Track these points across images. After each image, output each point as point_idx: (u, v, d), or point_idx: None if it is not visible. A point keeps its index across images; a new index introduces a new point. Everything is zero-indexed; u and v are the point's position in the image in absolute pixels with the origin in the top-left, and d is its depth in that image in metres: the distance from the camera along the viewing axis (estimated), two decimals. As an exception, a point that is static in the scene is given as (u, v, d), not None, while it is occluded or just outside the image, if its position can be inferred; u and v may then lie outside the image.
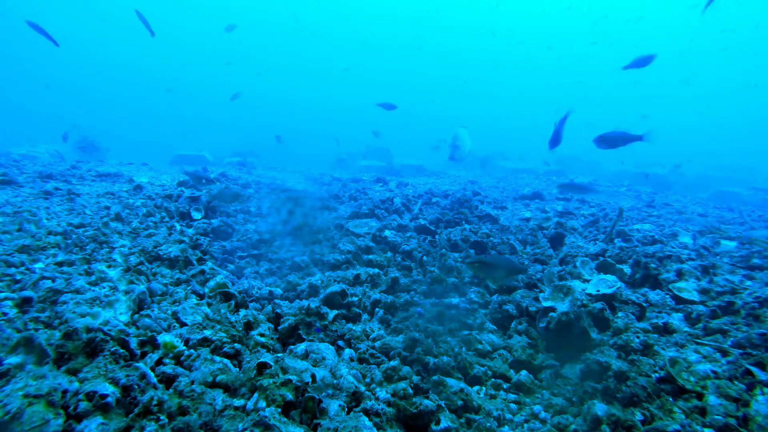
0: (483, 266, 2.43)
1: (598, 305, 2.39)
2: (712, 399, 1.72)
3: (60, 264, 2.69)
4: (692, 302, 2.75)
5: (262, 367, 1.70)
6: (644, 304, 2.70)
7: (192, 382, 1.63)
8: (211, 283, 2.72)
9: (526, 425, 1.78)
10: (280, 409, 1.50)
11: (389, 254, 3.58)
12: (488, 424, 1.70)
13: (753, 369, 1.85)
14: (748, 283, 3.06)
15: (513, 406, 1.91)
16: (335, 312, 2.46)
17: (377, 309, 2.67)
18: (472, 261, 2.45)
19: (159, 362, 1.80)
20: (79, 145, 6.27)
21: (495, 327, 2.52)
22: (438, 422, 1.60)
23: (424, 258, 3.44)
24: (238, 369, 1.83)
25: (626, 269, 3.30)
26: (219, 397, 1.57)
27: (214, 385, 1.67)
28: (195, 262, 3.05)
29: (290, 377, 1.61)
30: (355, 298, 2.71)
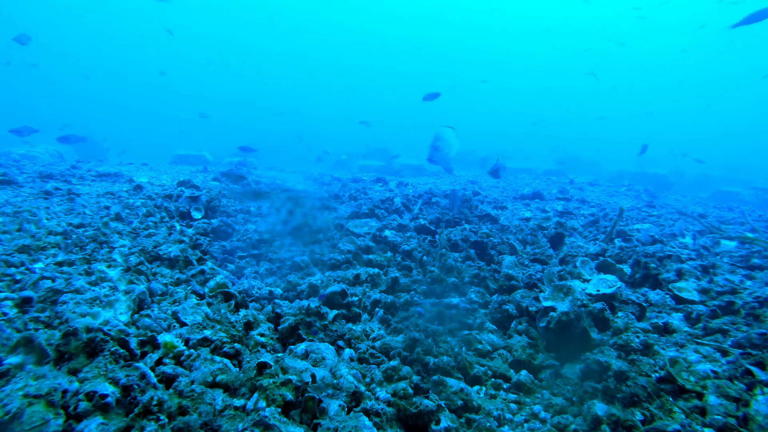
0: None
1: (599, 305, 2.39)
2: (712, 399, 1.72)
3: (60, 264, 2.69)
4: (692, 302, 2.75)
5: (262, 367, 1.70)
6: (644, 304, 2.70)
7: (192, 382, 1.63)
8: (211, 283, 2.72)
9: (526, 425, 1.78)
10: (280, 409, 1.50)
11: (389, 254, 3.57)
12: (488, 424, 1.70)
13: (753, 369, 1.85)
14: (748, 282, 3.06)
15: (513, 405, 1.90)
16: (335, 312, 2.46)
17: (377, 309, 2.67)
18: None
19: (159, 362, 1.80)
20: (13, 129, 6.05)
21: (495, 327, 2.52)
22: (438, 422, 1.60)
23: (424, 258, 3.43)
24: (238, 369, 1.83)
25: (626, 269, 3.30)
26: (219, 397, 1.57)
27: (214, 385, 1.67)
28: (195, 262, 3.05)
29: (290, 377, 1.61)
30: (355, 298, 2.71)
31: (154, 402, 1.43)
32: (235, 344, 2.00)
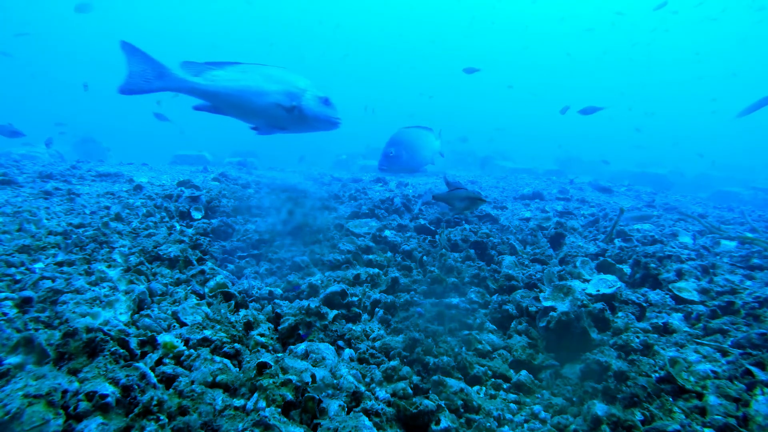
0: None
1: (599, 305, 2.39)
2: (712, 399, 1.72)
3: (60, 264, 2.69)
4: (692, 302, 2.75)
5: (262, 367, 1.70)
6: (644, 304, 2.70)
7: (192, 382, 1.63)
8: (211, 283, 2.72)
9: (526, 425, 1.78)
10: (280, 409, 1.50)
11: (389, 254, 3.57)
12: (488, 424, 1.70)
13: (753, 369, 1.85)
14: (748, 283, 3.06)
15: (513, 406, 1.90)
16: (335, 312, 2.46)
17: (377, 309, 2.67)
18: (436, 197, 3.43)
19: (159, 362, 1.80)
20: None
21: (495, 327, 2.52)
22: (438, 422, 1.60)
23: (424, 258, 3.43)
24: (238, 369, 1.83)
25: (626, 269, 3.30)
26: (219, 397, 1.57)
27: (214, 385, 1.67)
28: (195, 262, 3.05)
29: (290, 377, 1.61)
30: (355, 298, 2.71)
31: (154, 402, 1.43)
32: (235, 344, 2.00)
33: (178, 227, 3.81)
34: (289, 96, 3.22)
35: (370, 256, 3.46)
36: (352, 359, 2.12)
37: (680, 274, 3.06)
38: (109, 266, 2.71)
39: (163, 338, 1.91)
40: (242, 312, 2.32)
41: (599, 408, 1.70)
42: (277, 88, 3.21)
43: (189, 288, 2.66)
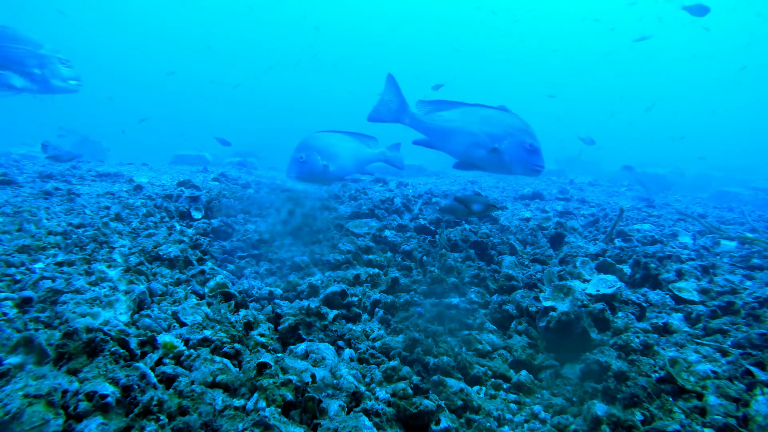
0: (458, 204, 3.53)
1: (599, 305, 2.39)
2: (712, 399, 1.73)
3: (60, 264, 2.69)
4: (692, 302, 2.75)
5: (262, 367, 1.70)
6: (644, 304, 2.70)
7: (192, 382, 1.63)
8: (211, 283, 2.72)
9: (526, 425, 1.78)
10: (280, 409, 1.50)
11: (389, 254, 3.57)
12: (488, 424, 1.70)
13: (753, 369, 1.85)
14: (748, 283, 3.06)
15: (513, 406, 1.90)
16: (335, 312, 2.46)
17: (377, 309, 2.66)
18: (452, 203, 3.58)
19: (159, 362, 1.80)
20: None
21: (495, 327, 2.52)
22: (438, 422, 1.60)
23: (424, 258, 3.43)
24: (238, 369, 1.83)
25: (626, 269, 3.30)
26: (219, 397, 1.57)
27: (214, 385, 1.67)
28: (195, 262, 3.05)
29: (290, 377, 1.61)
30: (355, 298, 2.71)
31: (154, 402, 1.43)
32: (235, 344, 2.00)
33: (178, 227, 3.81)
34: (492, 138, 3.36)
35: (370, 256, 3.46)
36: (352, 359, 2.12)
37: (680, 274, 3.06)
38: (109, 266, 2.71)
39: (163, 338, 1.91)
40: (242, 312, 2.32)
41: (599, 408, 1.70)
42: (483, 130, 3.38)
43: (189, 288, 2.66)
